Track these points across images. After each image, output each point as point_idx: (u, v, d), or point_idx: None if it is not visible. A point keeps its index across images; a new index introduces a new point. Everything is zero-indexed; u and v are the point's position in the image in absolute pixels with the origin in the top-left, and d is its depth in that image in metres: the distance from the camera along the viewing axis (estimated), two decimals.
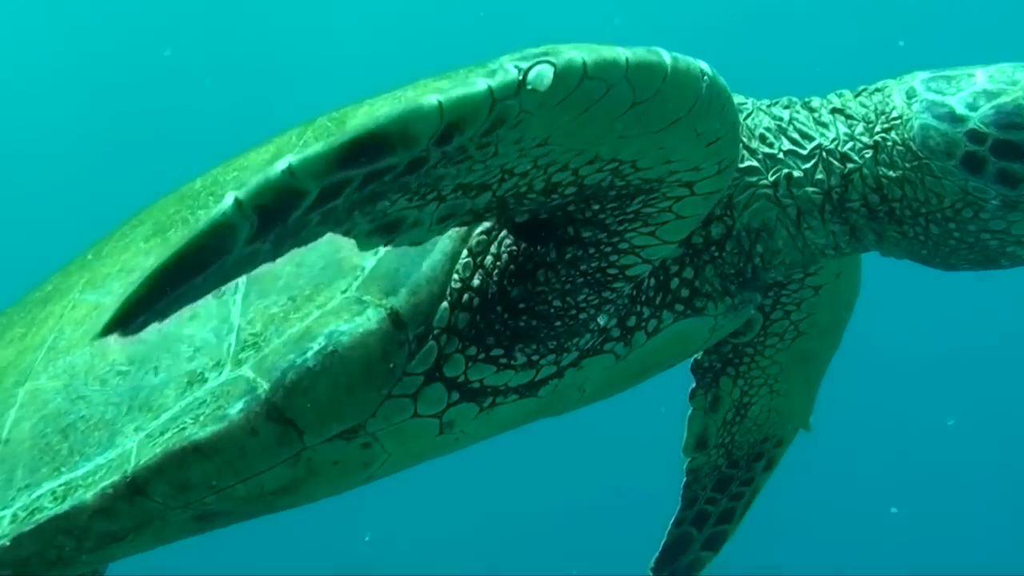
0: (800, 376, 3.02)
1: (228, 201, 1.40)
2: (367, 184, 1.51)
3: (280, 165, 1.41)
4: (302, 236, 1.56)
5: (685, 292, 2.30)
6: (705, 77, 1.71)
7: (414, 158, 1.51)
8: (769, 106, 2.38)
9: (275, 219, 1.44)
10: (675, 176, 1.90)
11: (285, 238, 1.51)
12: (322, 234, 1.62)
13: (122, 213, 2.79)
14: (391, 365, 2.07)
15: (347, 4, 16.55)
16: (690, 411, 3.04)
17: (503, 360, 2.13)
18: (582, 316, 2.13)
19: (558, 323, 2.12)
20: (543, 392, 2.22)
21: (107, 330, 1.44)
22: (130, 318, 1.44)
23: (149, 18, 16.35)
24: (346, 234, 1.67)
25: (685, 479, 3.12)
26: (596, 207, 1.97)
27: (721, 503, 3.13)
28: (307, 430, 2.07)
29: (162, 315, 1.47)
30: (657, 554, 3.16)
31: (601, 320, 2.16)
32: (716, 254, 2.32)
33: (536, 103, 1.55)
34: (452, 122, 1.49)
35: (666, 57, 1.64)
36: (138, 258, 2.43)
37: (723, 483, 3.11)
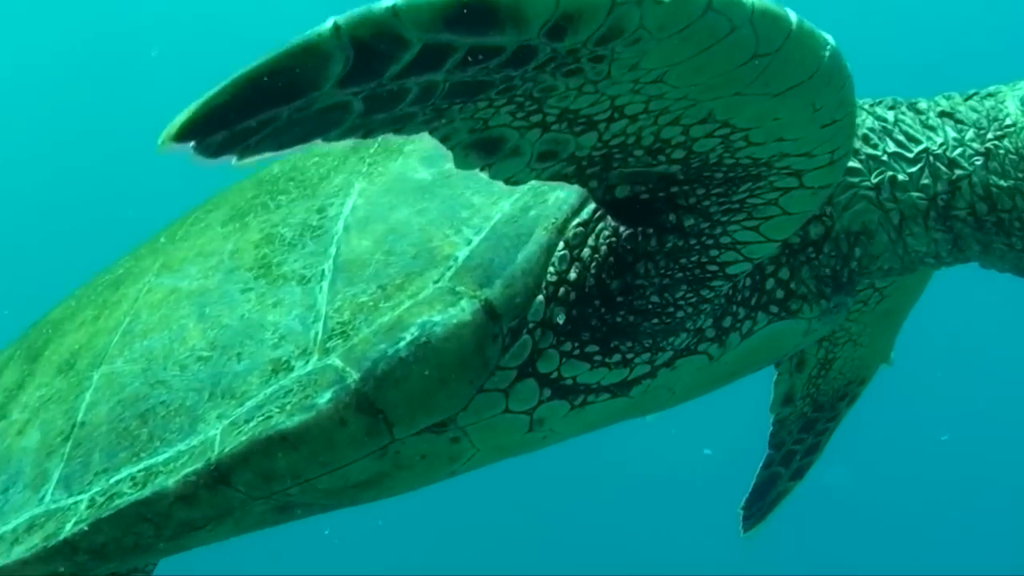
0: (882, 328, 3.05)
1: (327, 24, 1.29)
2: (470, 66, 1.41)
3: (385, 2, 1.30)
4: (396, 114, 1.45)
5: (780, 293, 2.24)
6: (828, 47, 1.64)
7: (522, 45, 1.41)
8: (872, 106, 2.31)
9: (371, 67, 1.34)
10: (785, 162, 1.82)
11: (378, 105, 1.41)
12: (418, 129, 1.54)
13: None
14: (484, 358, 2.01)
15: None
16: (775, 375, 3.12)
17: (598, 357, 2.07)
18: (679, 314, 2.06)
19: (655, 320, 2.06)
20: (635, 392, 2.16)
21: (181, 134, 1.30)
22: (206, 128, 1.31)
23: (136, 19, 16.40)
24: (444, 140, 1.60)
25: (772, 428, 3.19)
26: (701, 192, 1.89)
27: (807, 441, 3.19)
28: (397, 422, 2.01)
29: (238, 142, 1.34)
30: (747, 495, 3.28)
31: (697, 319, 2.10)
32: (813, 255, 2.25)
33: (656, 22, 1.44)
34: (567, 13, 1.38)
35: (792, 15, 1.58)
36: (216, 242, 2.38)
37: (808, 425, 3.16)
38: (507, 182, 1.74)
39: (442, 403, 2.03)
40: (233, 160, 1.37)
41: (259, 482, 2.04)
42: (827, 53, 1.64)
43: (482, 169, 1.69)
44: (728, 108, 1.68)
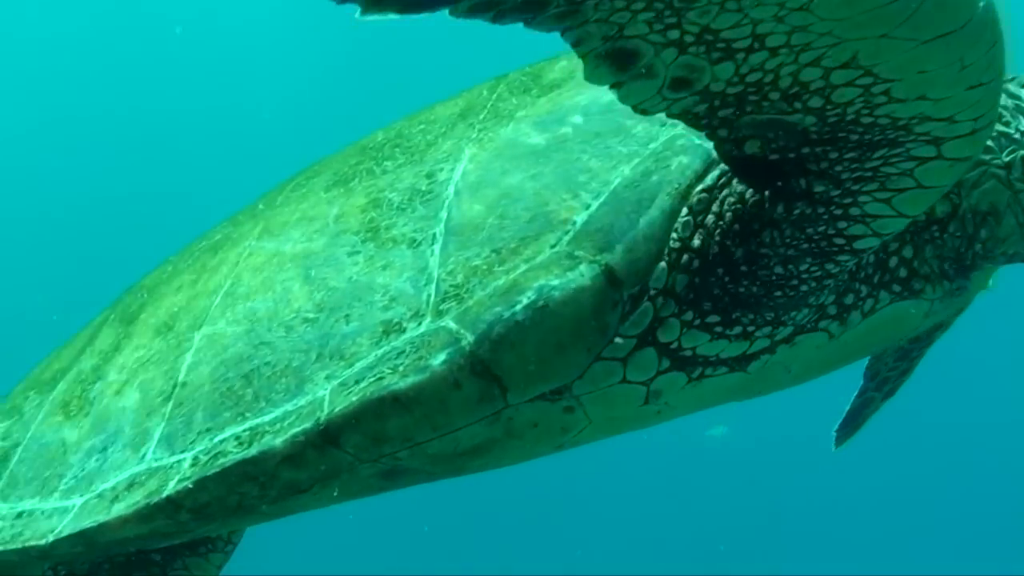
0: None
1: None
2: None
3: None
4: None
5: (903, 272, 2.16)
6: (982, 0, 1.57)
7: None
8: (1005, 83, 2.23)
9: None
10: (926, 126, 1.74)
11: None
12: (550, 24, 1.49)
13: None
14: (603, 325, 1.95)
15: None
16: None
17: (718, 328, 2.01)
18: (803, 288, 2.00)
19: (778, 293, 1.99)
20: (752, 368, 2.09)
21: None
22: None
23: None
24: (576, 46, 1.55)
25: (868, 361, 3.12)
26: (833, 156, 1.82)
27: (901, 367, 3.11)
28: (512, 388, 1.96)
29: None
30: (841, 420, 3.24)
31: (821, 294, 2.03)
32: (937, 234, 2.18)
33: None
34: None
35: None
36: (320, 207, 2.34)
37: (904, 354, 3.07)
38: (635, 108, 1.67)
39: (558, 370, 1.97)
40: (356, 14, 1.36)
41: (369, 444, 2.00)
42: (981, 4, 1.57)
43: (612, 87, 1.62)
44: (873, 53, 1.60)
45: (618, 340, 1.98)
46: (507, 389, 1.96)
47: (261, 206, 2.57)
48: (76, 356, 2.63)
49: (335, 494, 2.12)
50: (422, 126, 2.40)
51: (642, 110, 1.67)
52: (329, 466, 2.02)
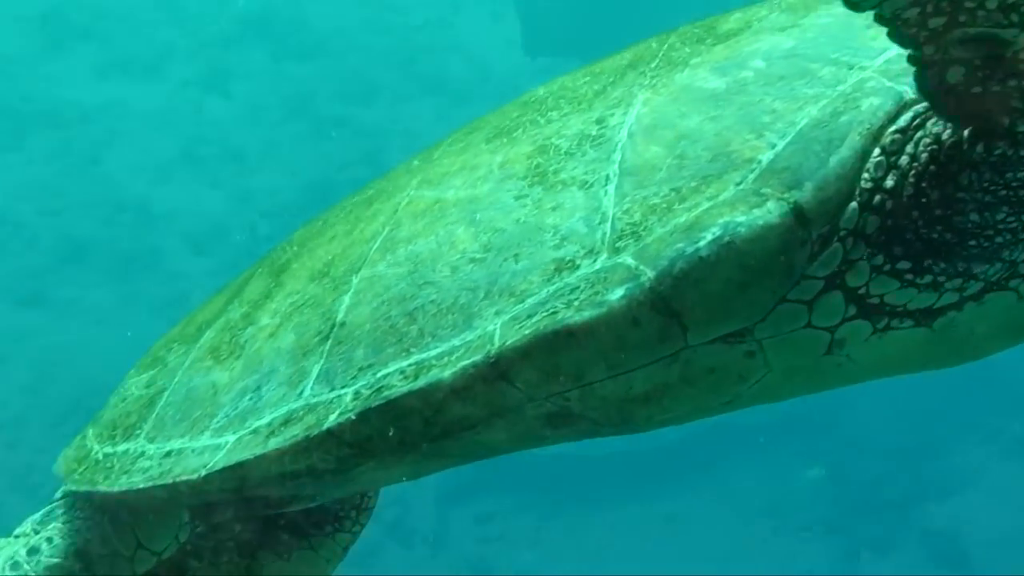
0: None
1: None
2: None
3: None
4: None
5: None
6: None
7: None
8: None
9: None
10: None
11: None
12: None
13: None
14: (790, 264, 1.88)
15: None
16: None
17: (908, 276, 1.92)
18: (998, 240, 1.90)
19: (972, 242, 1.90)
20: (938, 325, 1.99)
21: None
22: None
23: None
24: None
25: None
26: None
27: None
28: (692, 327, 1.89)
29: None
30: None
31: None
32: None
33: None
34: None
35: None
36: (481, 156, 2.31)
37: None
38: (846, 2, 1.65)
39: (741, 310, 1.89)
40: None
41: (539, 381, 1.93)
42: None
43: None
44: None
45: (805, 282, 1.90)
46: (687, 328, 1.89)
47: (416, 162, 2.55)
48: (222, 308, 2.62)
49: (499, 436, 2.05)
50: (587, 78, 2.36)
51: (852, 4, 1.64)
52: (496, 402, 1.96)
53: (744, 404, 2.11)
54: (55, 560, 2.64)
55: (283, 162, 11.47)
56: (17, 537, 2.76)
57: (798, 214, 1.87)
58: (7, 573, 2.63)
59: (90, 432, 2.63)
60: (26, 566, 2.63)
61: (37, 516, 2.76)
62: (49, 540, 2.67)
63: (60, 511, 2.72)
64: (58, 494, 2.77)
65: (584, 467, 8.43)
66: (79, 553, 2.63)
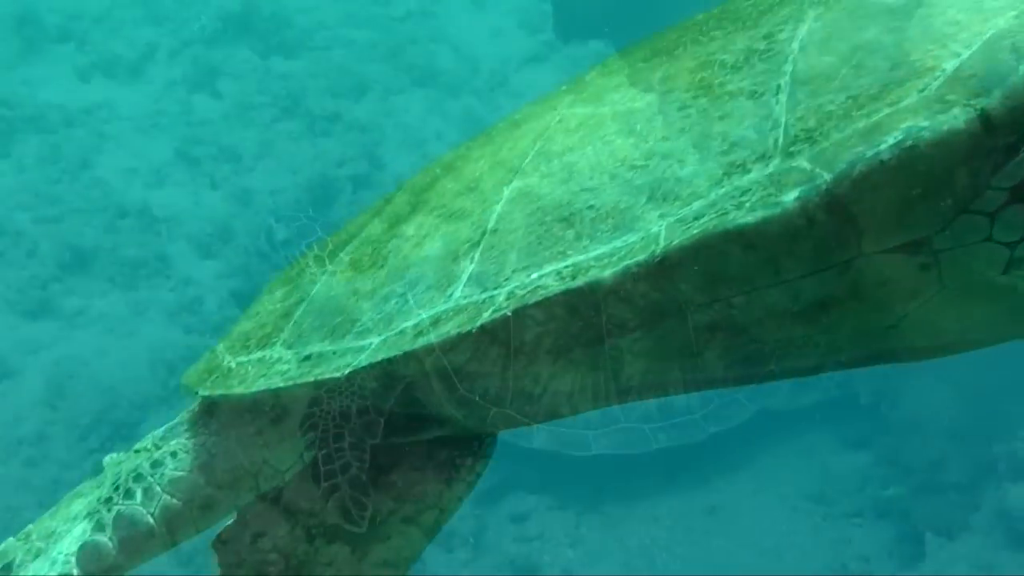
0: None
1: None
2: None
3: None
4: None
5: None
6: None
7: None
8: None
9: None
10: None
11: None
12: None
13: None
14: (974, 173, 1.80)
15: None
16: None
17: None
18: None
19: None
20: None
21: None
22: None
23: None
24: None
25: None
26: None
27: None
28: (868, 233, 1.82)
29: None
30: None
31: None
32: None
33: None
34: None
35: None
36: (640, 74, 2.27)
37: None
38: None
39: (921, 217, 1.82)
40: None
41: (705, 283, 1.88)
42: None
43: None
44: None
45: (989, 192, 1.82)
46: (863, 234, 1.82)
47: (565, 88, 2.52)
48: (361, 227, 2.61)
49: (653, 349, 2.00)
50: (751, 1, 2.31)
51: None
52: (659, 304, 1.91)
53: (905, 335, 2.02)
54: (180, 474, 2.63)
55: (280, 160, 11.20)
56: (137, 452, 2.76)
57: (985, 121, 1.79)
58: (130, 485, 2.62)
59: (220, 347, 2.63)
60: (150, 478, 2.62)
61: (159, 432, 2.76)
62: (173, 454, 2.67)
63: (184, 427, 2.71)
64: (182, 414, 2.77)
65: (615, 463, 8.25)
66: (203, 467, 2.62)
